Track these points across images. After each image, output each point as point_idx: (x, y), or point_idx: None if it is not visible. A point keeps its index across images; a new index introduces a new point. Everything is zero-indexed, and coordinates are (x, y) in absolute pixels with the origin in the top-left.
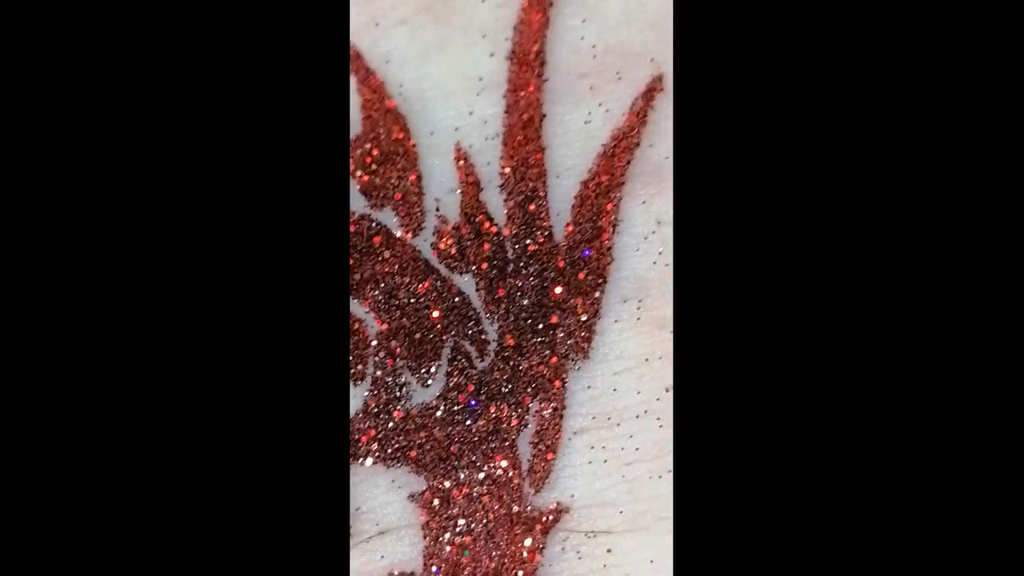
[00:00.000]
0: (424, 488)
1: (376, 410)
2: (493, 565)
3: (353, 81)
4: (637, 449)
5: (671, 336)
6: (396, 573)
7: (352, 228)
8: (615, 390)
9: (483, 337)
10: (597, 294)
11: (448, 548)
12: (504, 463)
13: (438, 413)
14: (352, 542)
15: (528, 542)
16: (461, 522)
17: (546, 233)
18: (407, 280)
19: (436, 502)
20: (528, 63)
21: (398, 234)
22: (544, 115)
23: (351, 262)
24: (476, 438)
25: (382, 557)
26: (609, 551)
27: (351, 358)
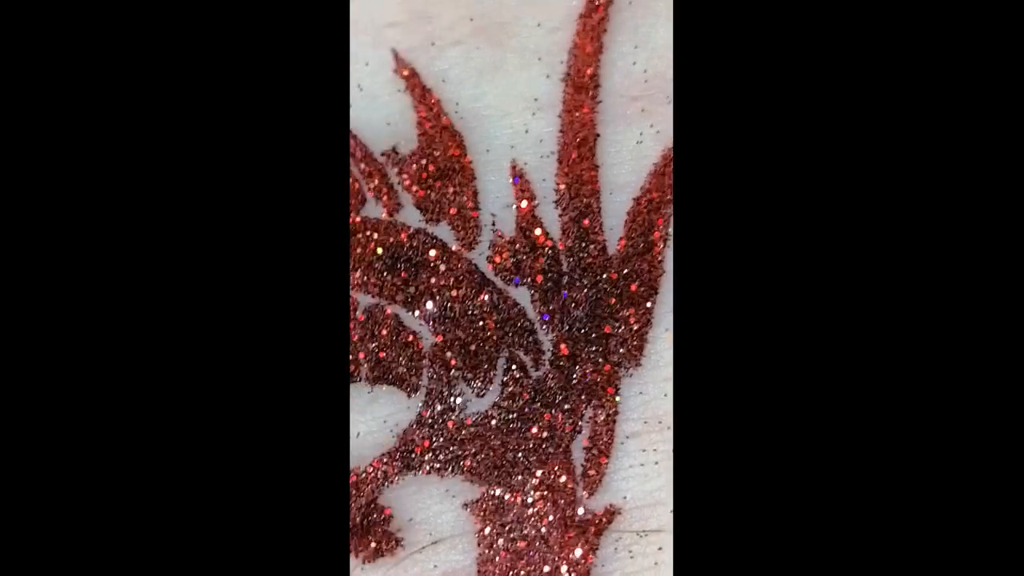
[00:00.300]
0: (479, 496)
1: (431, 420)
2: (548, 569)
3: (409, 99)
4: None
5: None
6: None
7: (407, 241)
8: (666, 395)
9: (538, 347)
10: (648, 304)
11: (502, 555)
12: (558, 469)
13: (493, 422)
14: (405, 552)
15: (582, 543)
16: (515, 528)
17: (599, 247)
18: (463, 292)
19: (490, 509)
20: (583, 86)
21: (454, 248)
22: (598, 135)
23: (405, 276)
24: (531, 445)
25: (435, 567)
26: (660, 549)
27: (406, 370)
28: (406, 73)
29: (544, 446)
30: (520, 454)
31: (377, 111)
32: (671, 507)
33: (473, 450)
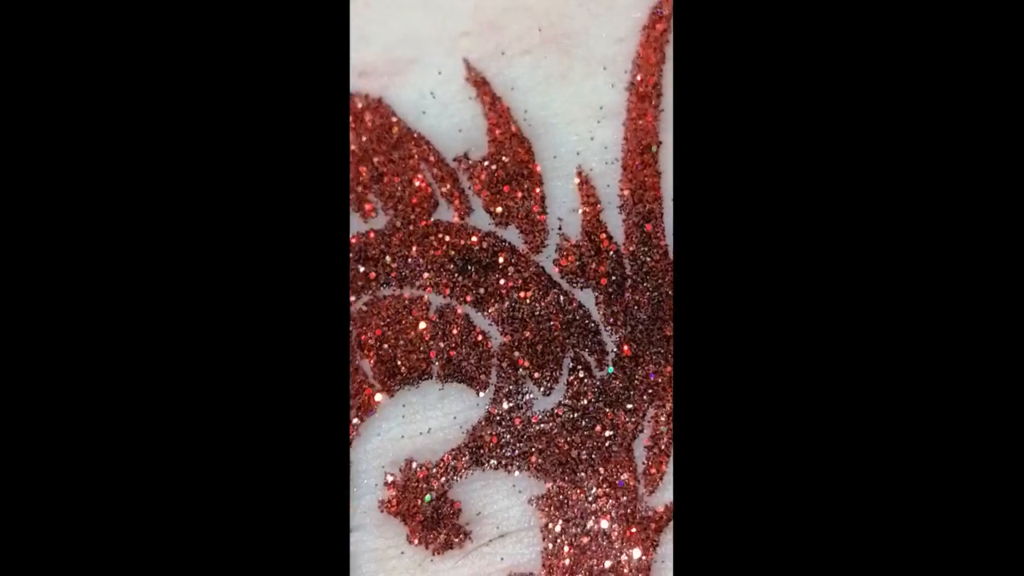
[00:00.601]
0: (544, 492)
1: (499, 417)
2: (609, 564)
3: (480, 106)
4: None
5: None
6: (515, 575)
7: (477, 244)
8: None
9: (602, 348)
10: None
11: (567, 549)
12: (621, 467)
13: (559, 420)
14: (473, 545)
15: (643, 540)
16: (579, 523)
17: (662, 251)
18: (530, 294)
19: (556, 505)
20: (646, 95)
21: (522, 250)
22: (660, 142)
23: (476, 277)
24: (595, 443)
25: (502, 559)
26: None
27: (476, 368)
28: (477, 81)
29: (608, 444)
30: (584, 452)
31: (449, 118)
32: None
33: (539, 447)
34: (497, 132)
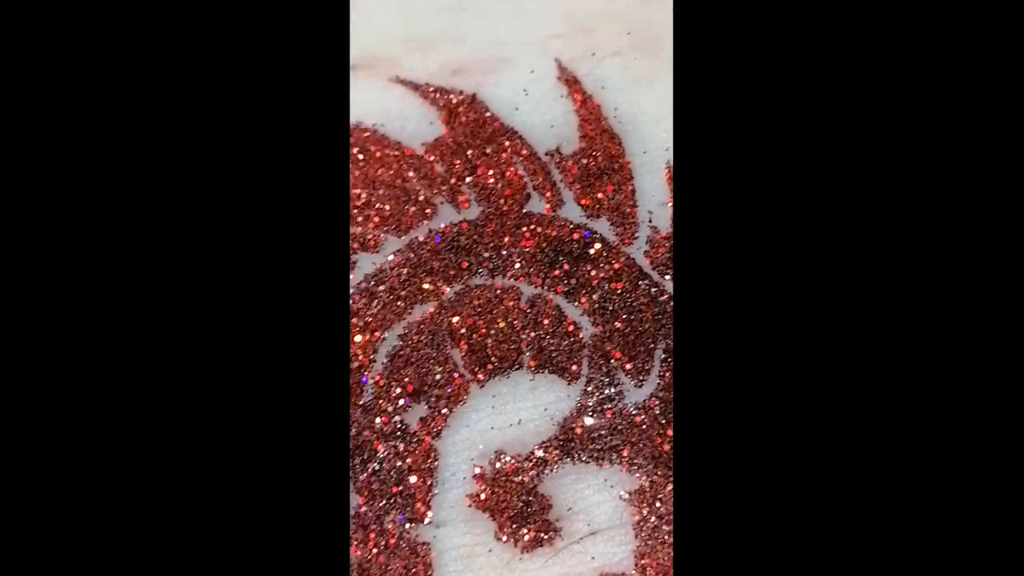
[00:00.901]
0: (636, 487)
1: (590, 409)
2: None
3: (571, 104)
4: None
5: None
6: (606, 574)
7: (568, 235)
8: None
9: None
10: None
11: (659, 547)
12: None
13: (651, 412)
14: (563, 543)
15: None
16: (670, 521)
17: None
18: (622, 285)
19: (648, 501)
20: None
21: (613, 242)
22: None
23: (566, 267)
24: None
25: (592, 558)
26: None
27: (567, 359)
28: (569, 80)
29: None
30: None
31: (541, 115)
32: None
33: (632, 440)
34: (588, 128)
